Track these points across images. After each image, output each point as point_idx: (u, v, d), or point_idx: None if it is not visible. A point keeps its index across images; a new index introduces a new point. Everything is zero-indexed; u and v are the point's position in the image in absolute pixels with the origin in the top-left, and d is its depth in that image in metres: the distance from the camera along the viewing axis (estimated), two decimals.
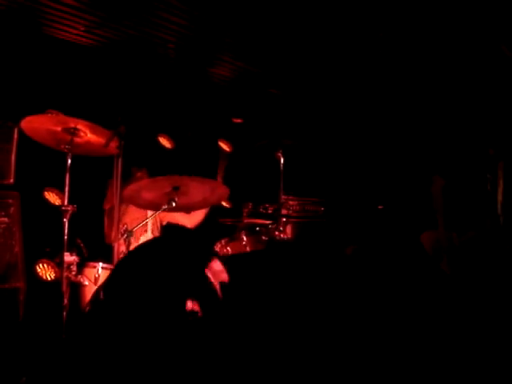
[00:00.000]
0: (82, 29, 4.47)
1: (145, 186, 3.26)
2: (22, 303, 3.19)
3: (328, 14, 4.33)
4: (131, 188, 3.23)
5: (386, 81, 5.10)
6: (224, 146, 4.92)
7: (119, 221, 3.14)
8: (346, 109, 5.50)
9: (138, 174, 4.15)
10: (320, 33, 4.60)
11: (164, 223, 4.30)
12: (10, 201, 3.21)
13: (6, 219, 3.16)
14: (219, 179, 4.07)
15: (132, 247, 3.30)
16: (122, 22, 4.43)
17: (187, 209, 3.92)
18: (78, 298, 3.44)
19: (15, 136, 3.49)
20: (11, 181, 3.37)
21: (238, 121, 4.13)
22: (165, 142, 4.98)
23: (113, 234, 3.90)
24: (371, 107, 5.35)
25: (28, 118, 3.21)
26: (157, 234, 4.23)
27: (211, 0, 4.13)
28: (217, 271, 3.20)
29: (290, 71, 5.17)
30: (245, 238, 3.53)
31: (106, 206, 3.94)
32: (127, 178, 3.72)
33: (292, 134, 5.04)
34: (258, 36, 4.61)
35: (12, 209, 3.20)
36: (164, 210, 3.29)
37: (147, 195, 3.28)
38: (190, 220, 4.27)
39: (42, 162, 4.09)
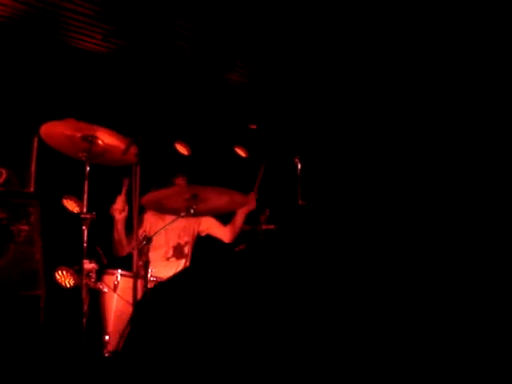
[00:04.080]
0: (99, 37, 4.52)
1: (163, 195, 3.31)
2: (42, 310, 3.21)
3: (340, 20, 4.34)
4: (150, 196, 3.27)
5: (402, 86, 5.08)
6: (240, 152, 4.94)
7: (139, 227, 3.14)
8: (363, 112, 5.48)
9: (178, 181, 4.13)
10: (333, 39, 4.60)
11: (203, 234, 4.32)
12: (31, 209, 3.23)
13: (26, 227, 3.19)
14: (255, 190, 4.07)
15: (153, 252, 3.33)
16: (138, 30, 4.47)
17: (207, 214, 3.95)
18: (98, 305, 3.47)
19: (35, 145, 3.53)
20: (31, 189, 3.41)
21: (254, 127, 4.13)
22: (181, 148, 5.01)
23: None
24: (389, 113, 5.33)
25: (47, 124, 3.25)
26: (190, 241, 4.23)
27: (224, 8, 4.16)
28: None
29: (303, 76, 5.17)
30: None
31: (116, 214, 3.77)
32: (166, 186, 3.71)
33: (309, 139, 5.05)
34: (271, 41, 4.63)
35: (32, 217, 3.23)
36: (182, 217, 3.33)
37: (167, 202, 3.32)
38: (228, 235, 4.28)
39: (61, 171, 4.13)
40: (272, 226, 3.48)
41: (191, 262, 4.21)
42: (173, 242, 4.11)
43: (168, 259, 4.08)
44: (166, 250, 4.07)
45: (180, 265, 4.11)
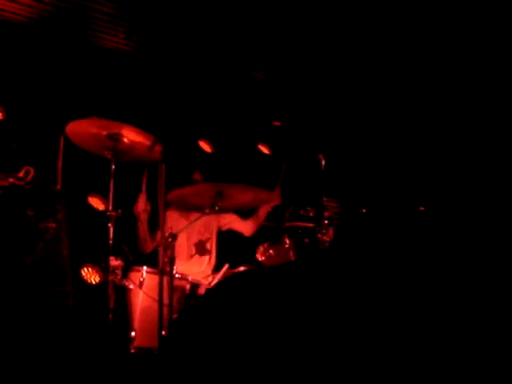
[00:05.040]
0: (122, 36, 4.55)
1: (188, 192, 3.33)
2: (70, 307, 3.25)
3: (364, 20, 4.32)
4: (175, 193, 3.29)
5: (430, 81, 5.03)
6: (264, 150, 4.95)
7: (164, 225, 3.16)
8: (385, 107, 5.43)
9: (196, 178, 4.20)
10: (358, 36, 4.57)
11: (224, 228, 4.36)
12: (58, 207, 3.27)
13: (54, 225, 3.22)
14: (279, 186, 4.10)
15: (176, 251, 3.35)
16: (160, 28, 4.50)
17: (231, 210, 4.00)
18: (124, 302, 3.50)
19: (61, 144, 3.58)
20: (58, 187, 3.45)
21: (278, 124, 4.13)
22: (205, 146, 5.03)
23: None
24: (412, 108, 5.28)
25: (73, 123, 3.28)
26: (212, 237, 4.27)
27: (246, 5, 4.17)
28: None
29: (327, 72, 5.15)
30: (287, 241, 3.55)
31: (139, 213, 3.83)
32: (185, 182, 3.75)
33: (333, 135, 5.03)
34: (295, 38, 4.62)
35: (59, 214, 3.26)
36: (207, 214, 3.35)
37: (191, 199, 3.34)
38: (248, 229, 4.34)
39: (86, 168, 4.18)
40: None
41: (216, 258, 4.24)
42: (194, 239, 4.14)
43: (191, 257, 4.11)
44: (188, 247, 4.09)
45: (204, 261, 4.14)
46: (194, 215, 3.99)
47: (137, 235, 3.89)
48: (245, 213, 4.31)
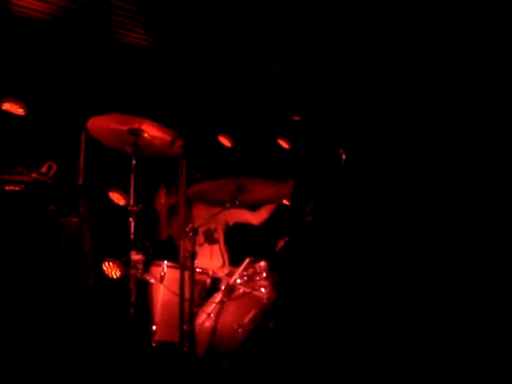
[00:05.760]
0: (142, 32, 4.56)
1: (208, 187, 3.35)
2: (92, 301, 3.28)
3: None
4: (196, 188, 3.31)
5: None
6: (283, 144, 4.94)
7: (186, 219, 3.18)
8: (405, 102, 5.37)
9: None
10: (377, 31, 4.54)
11: (231, 223, 4.43)
12: (80, 201, 3.30)
13: (76, 219, 3.25)
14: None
15: (197, 246, 3.36)
16: (179, 23, 4.50)
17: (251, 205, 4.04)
18: (145, 296, 3.52)
19: (83, 139, 3.61)
20: (80, 182, 3.47)
21: (297, 118, 4.11)
22: (225, 140, 5.04)
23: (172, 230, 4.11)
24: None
25: (94, 119, 3.31)
26: (218, 228, 4.31)
27: None
28: None
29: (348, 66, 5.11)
30: None
31: (159, 206, 4.03)
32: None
33: (354, 129, 5.00)
34: (316, 32, 4.59)
35: (82, 209, 3.29)
36: (227, 208, 3.36)
37: (211, 193, 3.36)
38: (256, 218, 4.36)
39: (107, 163, 4.21)
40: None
41: (228, 251, 4.31)
42: (202, 228, 4.13)
43: (201, 245, 4.16)
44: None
45: (214, 250, 4.22)
46: (197, 209, 4.18)
47: (156, 224, 4.07)
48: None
